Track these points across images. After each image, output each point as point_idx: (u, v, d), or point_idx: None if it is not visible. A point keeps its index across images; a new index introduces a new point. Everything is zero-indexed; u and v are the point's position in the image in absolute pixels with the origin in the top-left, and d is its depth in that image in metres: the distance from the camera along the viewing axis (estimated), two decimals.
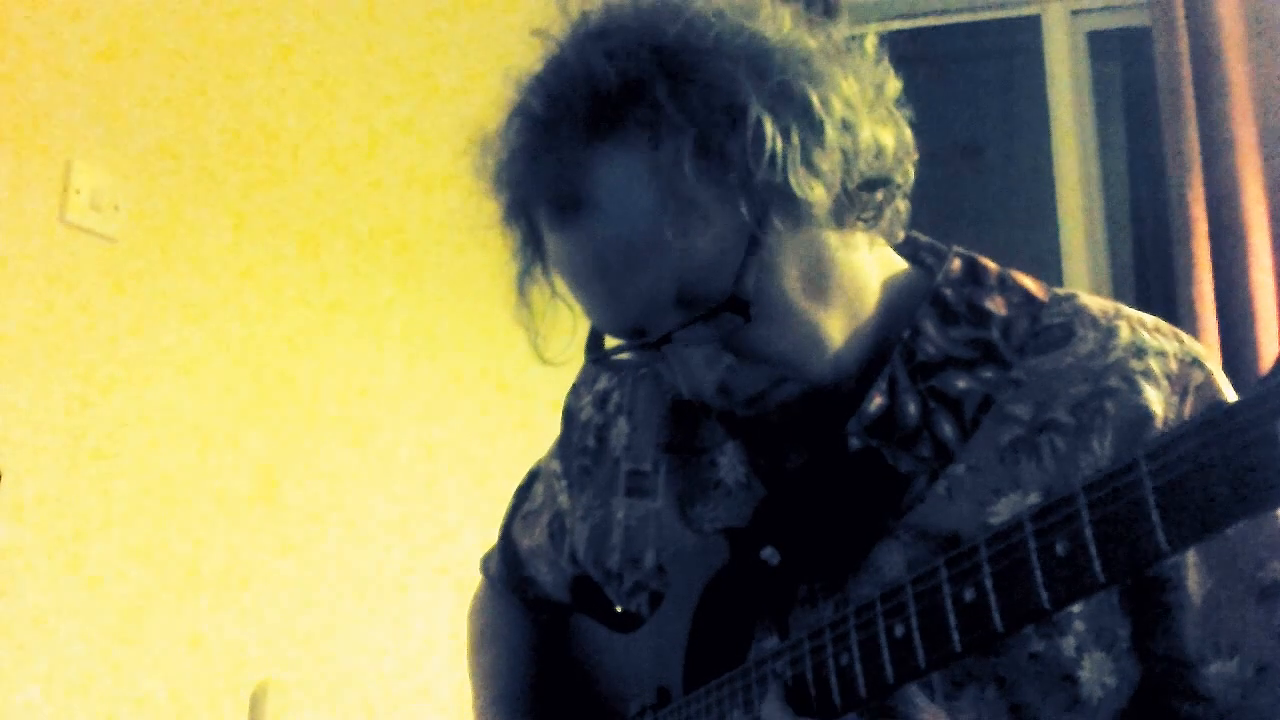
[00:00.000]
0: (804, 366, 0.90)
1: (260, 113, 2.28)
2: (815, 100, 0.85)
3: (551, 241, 0.90)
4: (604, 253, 0.86)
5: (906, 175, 0.92)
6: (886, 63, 0.91)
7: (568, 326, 0.99)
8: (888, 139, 0.89)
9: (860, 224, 0.91)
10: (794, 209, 0.84)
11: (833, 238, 0.90)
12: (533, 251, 0.95)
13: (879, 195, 0.90)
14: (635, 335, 0.90)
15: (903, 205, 0.93)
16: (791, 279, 0.87)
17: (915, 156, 0.92)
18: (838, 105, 0.86)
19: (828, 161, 0.85)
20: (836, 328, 0.90)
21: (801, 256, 0.88)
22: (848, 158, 0.86)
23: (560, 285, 0.96)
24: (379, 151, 2.52)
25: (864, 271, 0.94)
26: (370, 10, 2.56)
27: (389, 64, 2.58)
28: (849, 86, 0.87)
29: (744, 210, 0.83)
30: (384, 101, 2.55)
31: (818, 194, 0.84)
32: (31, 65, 1.91)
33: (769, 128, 0.82)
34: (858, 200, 0.88)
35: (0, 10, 1.88)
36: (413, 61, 2.64)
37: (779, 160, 0.83)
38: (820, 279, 0.89)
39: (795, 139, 0.83)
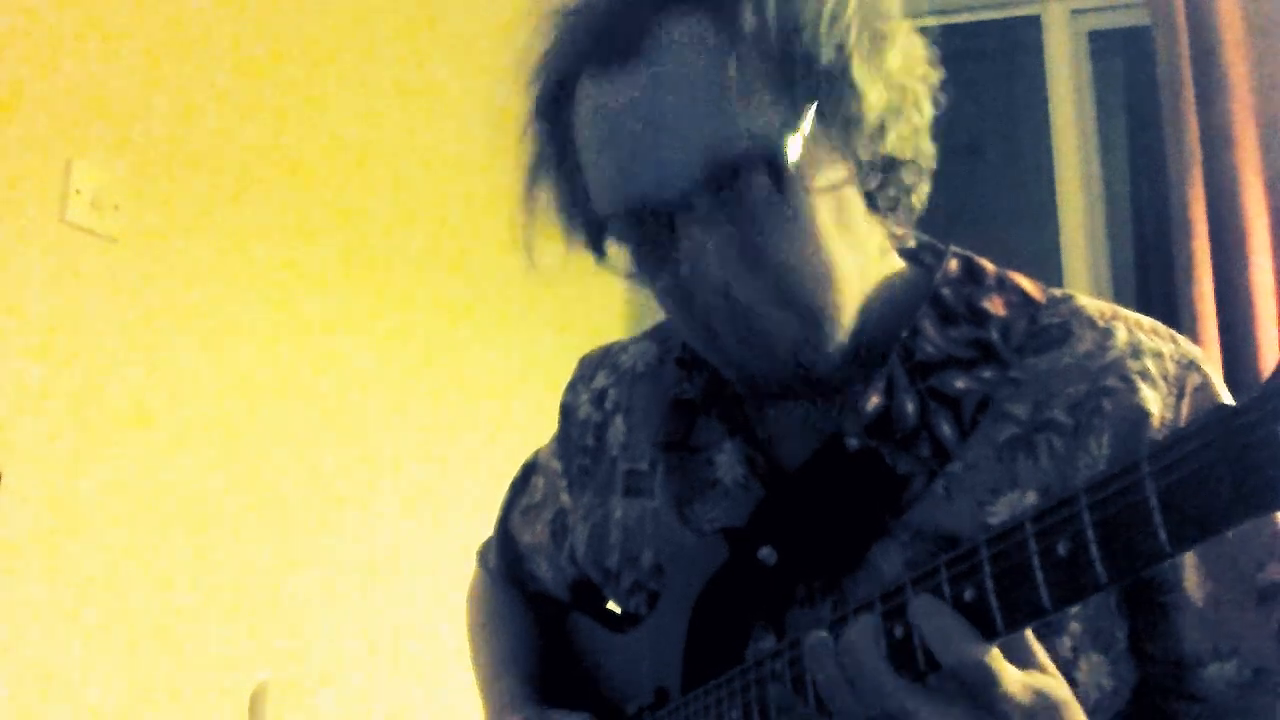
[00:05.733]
0: (807, 294, 0.88)
1: (261, 112, 2.28)
2: (888, 27, 0.89)
3: (590, 96, 0.89)
4: (650, 102, 0.86)
5: (929, 164, 0.94)
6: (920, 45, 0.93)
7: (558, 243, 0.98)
8: (925, 103, 0.92)
9: (878, 213, 0.93)
10: (852, 105, 0.86)
11: (860, 207, 0.91)
12: (555, 149, 0.94)
13: (906, 176, 0.92)
14: (644, 209, 0.88)
15: (918, 199, 0.95)
16: (823, 196, 0.87)
17: (934, 161, 0.94)
18: (897, 44, 0.90)
19: (890, 84, 0.88)
20: (851, 277, 0.90)
21: (831, 180, 0.88)
22: (899, 95, 0.89)
23: (565, 193, 0.95)
24: (379, 150, 2.52)
25: (879, 246, 0.95)
26: (372, 7, 2.56)
27: (388, 62, 2.58)
28: (903, 36, 0.91)
29: (805, 92, 0.85)
30: (385, 100, 2.55)
31: (874, 97, 0.87)
32: (31, 65, 1.91)
33: (846, 19, 0.86)
34: (888, 171, 0.91)
35: (0, 10, 1.88)
36: (413, 59, 2.64)
37: (848, 51, 0.86)
38: (844, 215, 0.89)
39: (867, 42, 0.87)
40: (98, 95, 1.99)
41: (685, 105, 0.85)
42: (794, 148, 0.84)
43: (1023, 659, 0.71)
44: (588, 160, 0.91)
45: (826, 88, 0.85)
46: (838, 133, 0.87)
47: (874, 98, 0.87)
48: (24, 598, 1.79)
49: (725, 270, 0.86)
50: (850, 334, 0.91)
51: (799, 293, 0.88)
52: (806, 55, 0.85)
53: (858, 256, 0.91)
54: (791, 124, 0.85)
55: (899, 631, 0.71)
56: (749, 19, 0.84)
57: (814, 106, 0.86)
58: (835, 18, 0.86)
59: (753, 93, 0.84)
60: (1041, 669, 0.72)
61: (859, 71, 0.86)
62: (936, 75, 0.92)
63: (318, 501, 2.26)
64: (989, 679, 0.67)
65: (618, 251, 0.97)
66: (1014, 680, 0.68)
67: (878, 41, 0.88)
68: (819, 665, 0.73)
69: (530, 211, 0.97)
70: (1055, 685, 0.71)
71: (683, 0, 0.87)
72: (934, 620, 0.68)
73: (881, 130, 0.89)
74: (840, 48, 0.85)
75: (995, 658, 0.68)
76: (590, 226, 0.94)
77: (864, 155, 0.89)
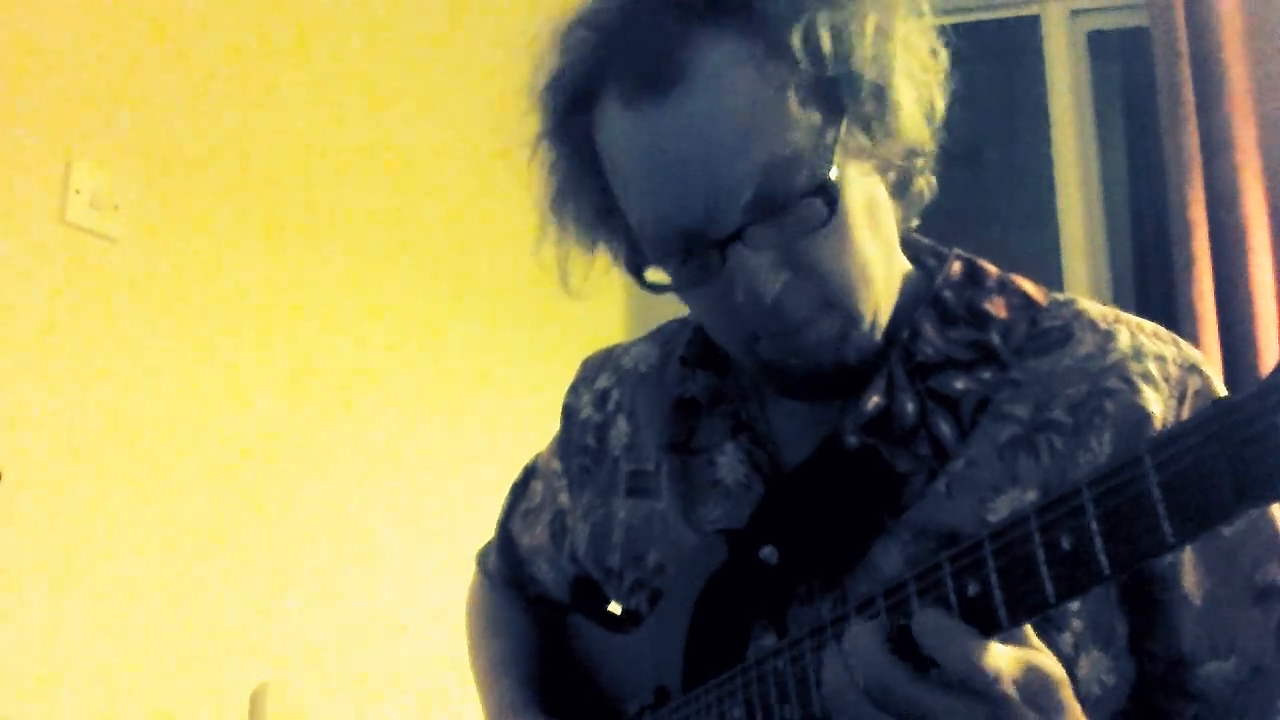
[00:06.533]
0: (853, 295, 0.89)
1: (262, 112, 2.28)
2: (915, 31, 0.90)
3: (626, 126, 0.88)
4: (696, 133, 0.85)
5: (933, 154, 0.95)
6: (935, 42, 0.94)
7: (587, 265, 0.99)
8: (939, 102, 0.93)
9: (892, 197, 0.94)
10: (890, 117, 0.88)
11: (882, 190, 0.92)
12: (577, 166, 0.94)
13: (920, 160, 0.93)
14: (693, 239, 0.88)
15: (925, 185, 0.96)
16: (858, 203, 0.89)
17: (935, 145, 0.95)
18: (923, 46, 0.91)
19: (918, 89, 0.89)
20: (881, 272, 0.91)
21: (864, 188, 0.90)
22: (923, 94, 0.91)
23: (588, 210, 0.95)
24: (381, 150, 2.52)
25: (896, 253, 0.97)
26: (375, 8, 2.56)
27: (392, 61, 2.58)
28: (926, 38, 0.92)
29: (847, 108, 0.86)
30: (388, 100, 2.55)
31: (909, 111, 0.88)
32: (31, 65, 1.91)
33: (891, 35, 0.87)
34: (905, 157, 0.92)
35: (0, 10, 1.88)
36: (418, 57, 2.64)
37: (889, 65, 0.87)
38: (875, 217, 0.91)
39: (904, 54, 0.88)
40: (98, 95, 1.99)
41: (737, 136, 0.84)
42: (840, 172, 0.85)
43: (1016, 638, 0.71)
44: (631, 189, 0.91)
45: (870, 104, 0.87)
46: (875, 135, 0.88)
47: (909, 106, 0.88)
48: (24, 598, 1.79)
49: (777, 288, 0.87)
50: (882, 329, 0.93)
51: (844, 300, 0.89)
52: (854, 76, 0.85)
53: (888, 255, 0.93)
54: (837, 146, 0.86)
55: (900, 625, 0.71)
56: (798, 44, 0.84)
57: (859, 125, 0.87)
58: (881, 35, 0.87)
59: (801, 118, 0.84)
60: (1034, 649, 0.72)
61: (899, 84, 0.87)
62: (944, 65, 0.93)
63: (318, 502, 2.26)
64: (991, 678, 0.68)
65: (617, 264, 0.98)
66: (1013, 664, 0.69)
67: (910, 48, 0.89)
68: (827, 667, 0.74)
69: (561, 234, 0.97)
70: (1050, 663, 0.71)
71: (715, 21, 0.86)
72: (934, 625, 0.69)
73: (909, 131, 0.91)
74: (883, 63, 0.86)
75: (994, 655, 0.68)
76: (631, 250, 0.95)
77: (892, 156, 0.91)
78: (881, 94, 0.87)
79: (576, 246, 0.98)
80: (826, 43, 0.84)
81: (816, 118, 0.85)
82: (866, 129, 0.87)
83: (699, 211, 0.86)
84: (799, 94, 0.84)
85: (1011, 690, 0.68)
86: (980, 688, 0.68)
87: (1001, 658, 0.68)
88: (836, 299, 0.89)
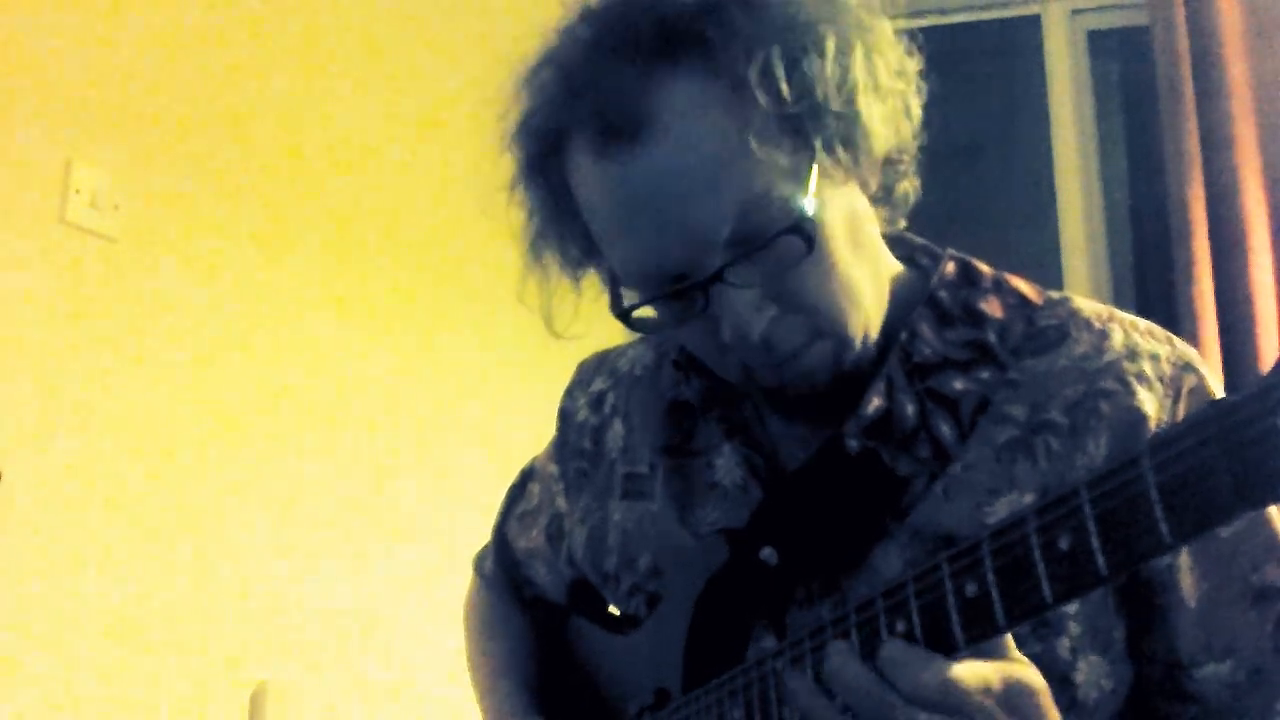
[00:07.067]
0: (841, 320, 0.89)
1: (261, 112, 2.28)
2: (879, 40, 0.88)
3: (596, 175, 0.87)
4: (667, 179, 0.84)
5: (914, 156, 0.94)
6: (904, 44, 0.93)
7: (573, 299, 0.98)
8: (915, 106, 0.91)
9: (875, 203, 0.93)
10: (860, 140, 0.86)
11: (862, 201, 0.92)
12: (554, 208, 0.93)
13: (902, 165, 0.93)
14: (675, 282, 0.87)
15: (909, 187, 0.95)
16: (838, 224, 0.88)
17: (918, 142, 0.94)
18: (890, 54, 0.89)
19: (887, 101, 0.88)
20: (868, 289, 0.91)
21: (842, 207, 0.89)
22: (894, 104, 0.89)
23: (572, 248, 0.94)
24: (379, 149, 2.52)
25: (883, 247, 0.96)
26: (373, 7, 2.56)
27: (388, 62, 2.58)
28: (892, 45, 0.90)
29: (815, 137, 0.84)
30: (384, 102, 2.55)
31: (878, 129, 0.87)
32: (31, 65, 1.91)
33: (851, 54, 0.85)
34: (886, 165, 0.91)
35: (0, 10, 1.88)
36: (413, 61, 2.64)
37: (853, 88, 0.85)
38: (857, 233, 0.90)
39: (867, 71, 0.86)
40: (98, 95, 1.99)
41: (707, 179, 0.83)
42: (815, 202, 0.84)
43: (992, 648, 0.71)
44: (608, 236, 0.90)
45: (837, 129, 0.85)
46: (846, 161, 0.87)
47: (878, 121, 0.87)
48: (24, 597, 1.79)
49: (764, 322, 0.86)
50: (874, 340, 0.93)
51: (834, 327, 0.89)
52: (817, 108, 0.84)
53: (874, 268, 0.93)
54: (809, 177, 0.85)
55: (901, 627, 0.71)
56: (756, 82, 0.82)
57: (828, 151, 0.85)
58: (841, 57, 0.85)
59: (770, 154, 0.83)
60: (1012, 659, 0.72)
61: (864, 103, 0.86)
62: (917, 67, 0.92)
63: (317, 502, 2.26)
64: (959, 694, 0.68)
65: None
66: (990, 676, 0.70)
67: (872, 62, 0.87)
68: (808, 706, 0.74)
69: (543, 279, 0.97)
70: (1029, 674, 0.72)
71: (676, 60, 0.84)
72: (891, 657, 0.70)
73: (882, 146, 0.89)
74: (847, 87, 0.85)
75: (961, 673, 0.69)
76: (614, 290, 0.94)
77: (869, 170, 0.90)
78: (848, 119, 0.85)
79: (562, 285, 0.97)
80: (784, 79, 0.82)
81: (785, 151, 0.84)
82: (838, 154, 0.86)
83: (678, 256, 0.86)
84: (766, 130, 0.83)
85: (987, 701, 0.69)
86: (949, 706, 0.68)
87: (972, 673, 0.69)
88: (826, 326, 0.89)
